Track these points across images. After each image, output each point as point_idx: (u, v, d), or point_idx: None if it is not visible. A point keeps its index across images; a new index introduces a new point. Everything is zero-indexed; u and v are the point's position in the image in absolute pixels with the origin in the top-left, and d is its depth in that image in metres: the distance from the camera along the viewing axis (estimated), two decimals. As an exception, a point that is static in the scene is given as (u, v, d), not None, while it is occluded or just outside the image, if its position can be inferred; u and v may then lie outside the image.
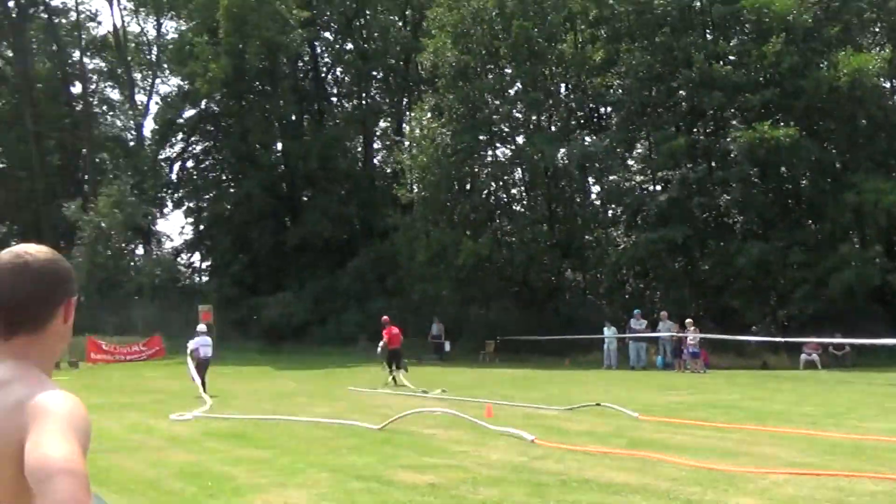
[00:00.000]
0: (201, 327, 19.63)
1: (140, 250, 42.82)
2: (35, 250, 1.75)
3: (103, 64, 51.45)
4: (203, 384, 16.73)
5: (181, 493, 7.60)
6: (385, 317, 22.55)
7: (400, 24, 42.51)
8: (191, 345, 18.31)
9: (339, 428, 11.90)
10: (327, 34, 43.51)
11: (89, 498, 1.38)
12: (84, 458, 1.46)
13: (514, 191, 34.77)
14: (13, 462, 1.49)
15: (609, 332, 26.13)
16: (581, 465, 8.45)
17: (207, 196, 42.76)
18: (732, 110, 28.48)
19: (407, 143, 33.22)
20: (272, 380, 22.58)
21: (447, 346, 30.69)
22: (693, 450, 9.28)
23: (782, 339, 23.83)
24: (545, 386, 18.91)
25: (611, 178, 30.89)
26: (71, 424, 1.51)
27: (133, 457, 9.76)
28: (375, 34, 41.37)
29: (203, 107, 42.52)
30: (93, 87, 51.08)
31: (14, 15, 45.16)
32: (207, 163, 45.70)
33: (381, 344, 21.19)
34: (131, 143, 47.98)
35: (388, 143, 40.83)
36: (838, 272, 24.26)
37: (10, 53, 46.69)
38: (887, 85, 28.77)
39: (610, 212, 31.87)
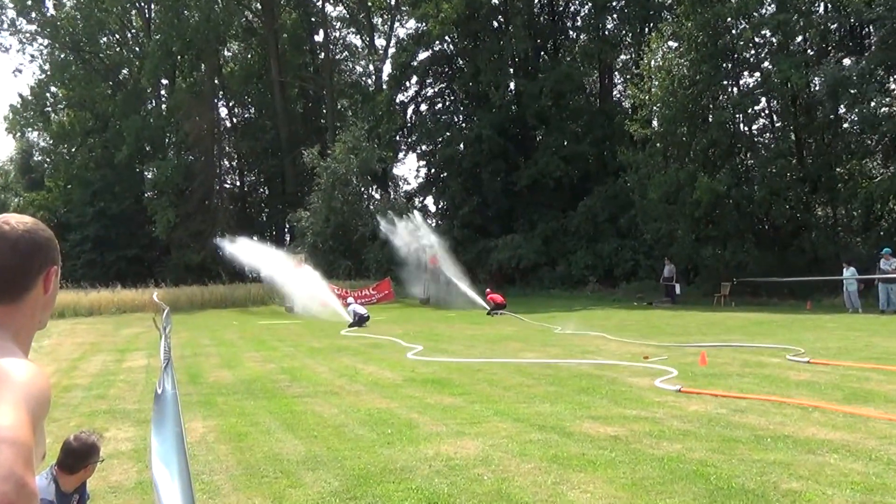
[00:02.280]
0: (350, 300, 28.32)
1: (377, 195, 46.73)
2: (15, 220, 1.80)
3: (345, 10, 56.19)
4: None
5: (359, 440, 8.00)
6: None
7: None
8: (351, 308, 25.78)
9: (540, 374, 12.19)
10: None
11: (27, 470, 1.41)
12: (32, 429, 1.50)
13: (758, 123, 34.11)
14: None
15: (847, 272, 25.24)
16: (784, 420, 8.23)
17: (440, 139, 45.76)
18: None
19: (643, 76, 33.60)
20: (492, 325, 23.19)
21: (678, 289, 31.24)
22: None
23: None
24: (779, 331, 18.19)
25: (870, 104, 29.57)
26: (24, 394, 1.54)
27: (329, 401, 10.39)
28: (614, -39, 41.80)
29: (436, 48, 45.47)
30: (335, 33, 56.21)
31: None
32: (439, 105, 49.15)
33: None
34: (371, 89, 52.08)
35: (628, 76, 41.21)
36: None
37: (258, 6, 52.09)
38: None
39: (866, 141, 30.49)
